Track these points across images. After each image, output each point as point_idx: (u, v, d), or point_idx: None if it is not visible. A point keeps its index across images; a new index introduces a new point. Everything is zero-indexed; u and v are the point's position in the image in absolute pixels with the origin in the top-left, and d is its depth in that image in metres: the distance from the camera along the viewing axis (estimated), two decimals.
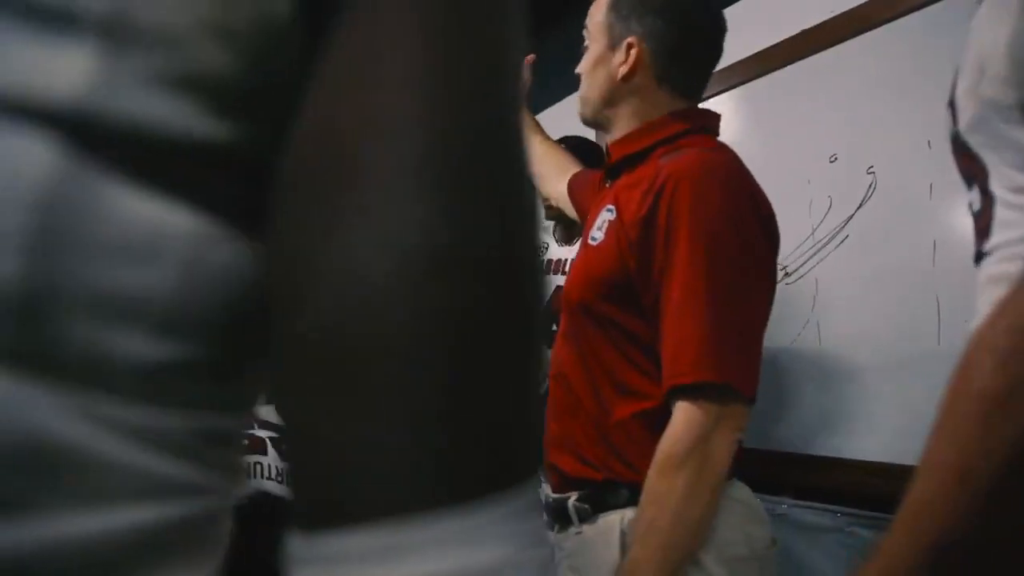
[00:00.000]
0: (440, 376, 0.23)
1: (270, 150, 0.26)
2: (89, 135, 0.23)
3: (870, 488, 1.48)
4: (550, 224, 2.09)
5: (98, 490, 0.23)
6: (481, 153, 0.25)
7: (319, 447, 0.23)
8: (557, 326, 1.22)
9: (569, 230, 1.94)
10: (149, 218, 0.24)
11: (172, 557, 0.25)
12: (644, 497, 0.95)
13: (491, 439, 0.24)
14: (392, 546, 0.22)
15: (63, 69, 0.22)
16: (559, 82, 2.69)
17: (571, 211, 1.47)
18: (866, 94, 1.58)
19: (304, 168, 0.25)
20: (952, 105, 0.63)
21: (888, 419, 1.49)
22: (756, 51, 1.83)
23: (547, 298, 1.89)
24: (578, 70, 1.16)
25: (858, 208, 1.58)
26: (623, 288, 1.02)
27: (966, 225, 0.69)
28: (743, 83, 1.85)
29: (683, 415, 0.95)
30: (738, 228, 0.99)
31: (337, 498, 0.23)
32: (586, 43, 1.15)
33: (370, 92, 0.24)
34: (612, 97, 1.10)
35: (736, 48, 1.75)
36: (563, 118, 2.50)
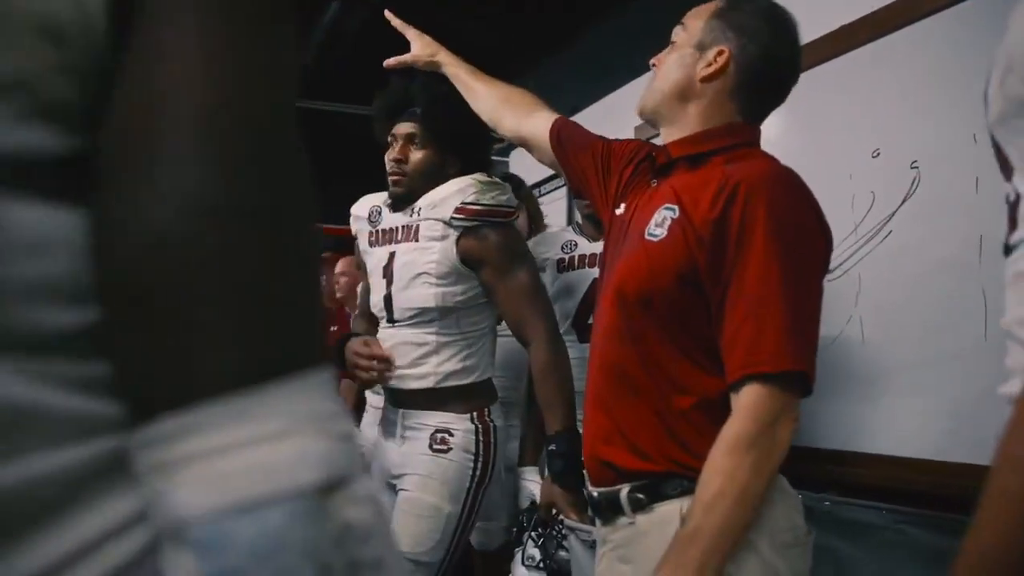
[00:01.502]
0: (220, 296, 0.31)
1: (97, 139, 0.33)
2: None
3: (916, 485, 1.47)
4: (579, 222, 2.12)
5: (49, 434, 0.30)
6: (248, 126, 0.33)
7: (136, 362, 0.31)
8: (593, 317, 1.26)
9: (599, 225, 1.96)
10: (37, 220, 0.31)
11: (111, 483, 0.32)
12: (708, 472, 0.99)
13: (268, 340, 0.32)
14: (186, 428, 0.30)
15: None
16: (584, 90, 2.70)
17: (538, 152, 1.48)
18: (909, 88, 1.56)
19: (109, 146, 0.32)
20: (985, 101, 0.63)
21: (934, 416, 1.47)
22: None
23: (583, 290, 1.91)
24: (655, 60, 1.22)
25: (902, 204, 1.57)
26: (690, 284, 1.06)
27: None
28: None
29: (754, 399, 0.99)
30: (806, 230, 1.07)
31: (142, 400, 0.31)
32: (674, 40, 1.21)
33: (159, 81, 0.32)
34: (684, 93, 1.16)
35: None
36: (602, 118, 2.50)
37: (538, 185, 3.08)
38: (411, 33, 1.59)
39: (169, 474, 0.30)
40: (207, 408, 0.30)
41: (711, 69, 1.13)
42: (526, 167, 3.22)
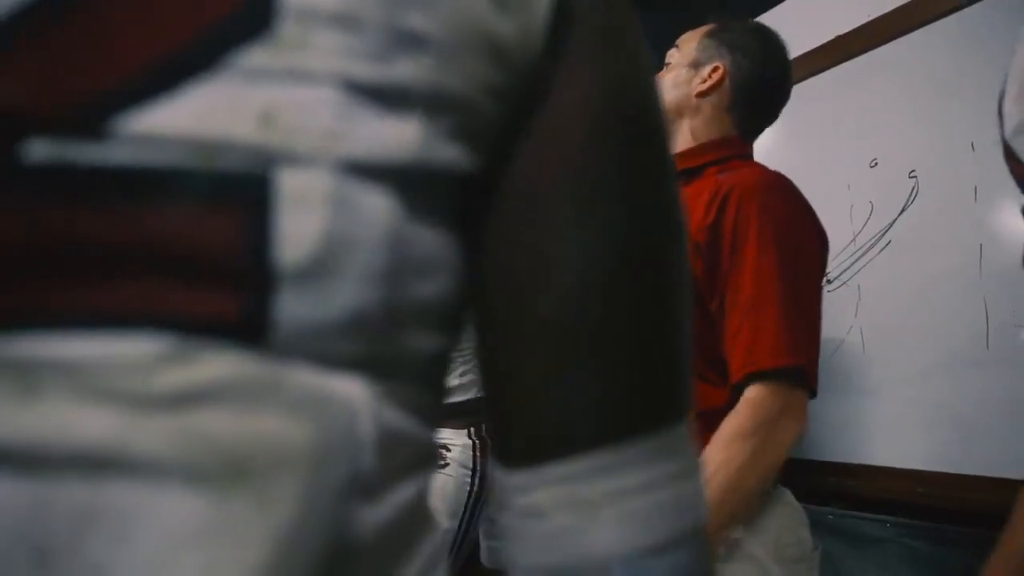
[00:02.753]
0: (642, 347, 0.32)
1: (501, 172, 0.33)
2: (414, 183, 0.29)
3: (919, 497, 1.46)
4: None
5: (409, 463, 0.30)
6: (664, 166, 0.34)
7: (549, 401, 0.31)
8: None
9: None
10: (442, 240, 0.31)
11: (428, 508, 0.33)
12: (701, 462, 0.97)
13: (668, 388, 0.33)
14: (609, 465, 0.31)
15: (399, 135, 0.28)
16: None
17: None
18: (906, 97, 1.56)
19: (533, 181, 0.32)
20: (1000, 112, 0.63)
21: (936, 427, 1.46)
22: (794, 56, 1.82)
23: None
24: None
25: (900, 213, 1.56)
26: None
27: (1013, 228, 0.68)
28: None
29: (753, 396, 0.99)
30: (800, 231, 1.07)
31: (565, 436, 0.31)
32: (669, 61, 1.26)
33: (583, 113, 0.32)
34: (681, 108, 1.20)
35: None
36: None
37: None
38: None
39: (587, 511, 0.31)
40: (629, 446, 0.31)
41: (707, 84, 1.17)
42: None
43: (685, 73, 1.20)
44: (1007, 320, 1.32)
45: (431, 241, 0.30)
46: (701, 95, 1.18)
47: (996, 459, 1.30)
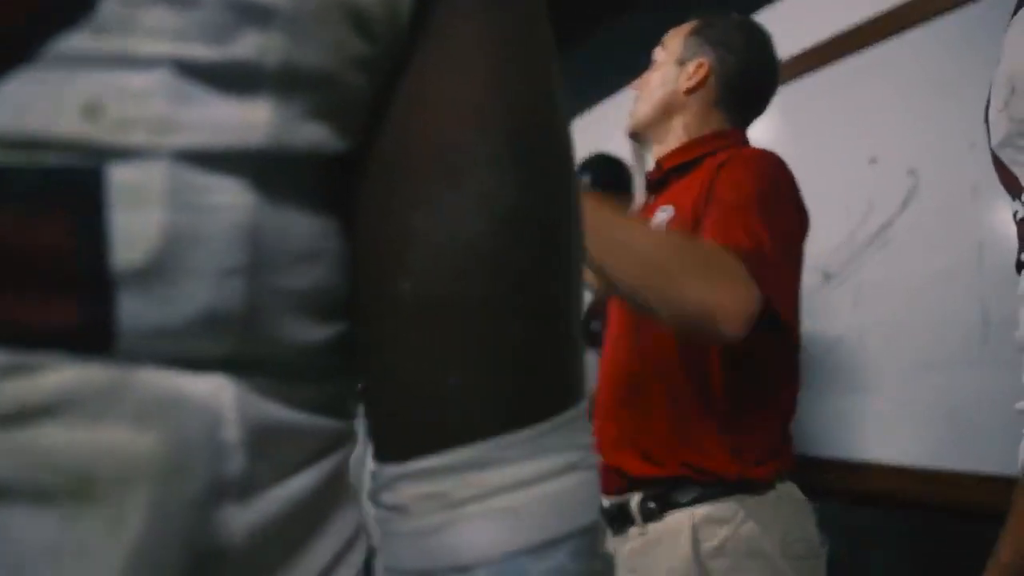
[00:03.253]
0: (517, 327, 0.29)
1: (365, 148, 0.31)
2: (272, 170, 0.27)
3: (916, 494, 1.47)
4: None
5: (304, 453, 0.29)
6: (548, 137, 0.31)
7: (415, 389, 0.29)
8: (600, 326, 1.25)
9: None
10: (314, 226, 0.29)
11: (339, 502, 0.32)
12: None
13: (552, 375, 0.30)
14: (479, 460, 0.28)
15: (248, 119, 0.26)
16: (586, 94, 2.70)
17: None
18: (904, 95, 1.57)
19: (398, 153, 0.30)
20: (987, 121, 0.63)
21: (934, 424, 1.47)
22: (793, 54, 1.82)
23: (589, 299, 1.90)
24: (636, 85, 1.28)
25: (899, 211, 1.56)
26: None
27: (1011, 227, 0.68)
28: (780, 86, 1.84)
29: (720, 251, 0.92)
30: (783, 194, 1.05)
31: (432, 427, 0.29)
32: (654, 59, 1.27)
33: (457, 89, 0.30)
34: (670, 107, 1.21)
35: None
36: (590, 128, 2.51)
37: None
38: None
39: (455, 508, 0.28)
40: (502, 439, 0.29)
41: (693, 81, 1.19)
42: None
43: (672, 71, 1.21)
44: (1005, 318, 1.32)
45: (301, 229, 0.28)
46: (688, 91, 1.19)
47: (992, 456, 1.31)
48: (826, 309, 1.68)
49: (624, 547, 1.11)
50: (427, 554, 0.29)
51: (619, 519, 1.11)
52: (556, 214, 0.31)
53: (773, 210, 1.00)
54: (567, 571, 0.28)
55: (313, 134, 0.28)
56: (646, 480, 1.08)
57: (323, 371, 0.31)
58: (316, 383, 0.30)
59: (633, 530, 1.09)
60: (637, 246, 0.89)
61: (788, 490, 1.07)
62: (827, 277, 1.69)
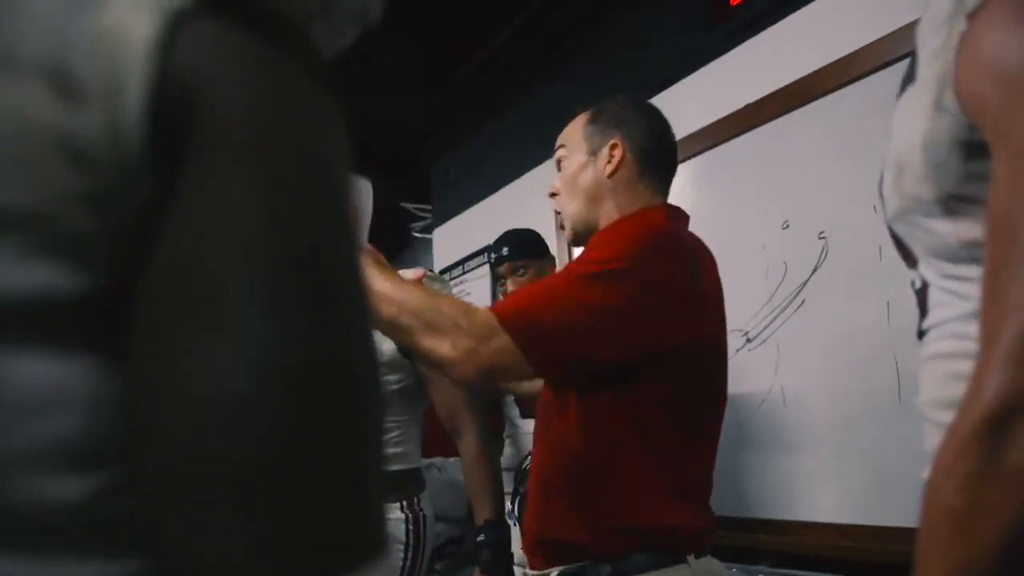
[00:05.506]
0: (293, 486, 0.26)
1: (126, 288, 0.28)
2: None
3: (842, 550, 1.48)
4: None
5: None
6: (321, 278, 0.29)
7: (175, 548, 0.26)
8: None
9: None
10: (48, 372, 0.27)
11: None
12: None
13: (336, 535, 0.27)
14: None
15: None
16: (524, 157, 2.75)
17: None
18: (813, 161, 1.64)
19: (161, 299, 0.27)
20: (881, 195, 0.66)
21: (855, 479, 1.50)
22: (706, 124, 1.90)
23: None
24: (554, 188, 1.27)
25: (812, 273, 1.62)
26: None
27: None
28: (696, 155, 1.91)
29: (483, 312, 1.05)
30: (630, 255, 1.05)
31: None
32: (562, 161, 1.26)
33: (219, 232, 0.27)
34: (597, 194, 1.22)
35: (687, 122, 1.82)
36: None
37: (461, 263, 3.09)
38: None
39: None
40: None
41: (613, 163, 1.20)
42: (447, 244, 3.23)
43: (587, 162, 1.22)
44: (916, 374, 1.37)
45: (36, 378, 0.26)
46: (611, 175, 1.20)
47: (913, 509, 1.33)
48: (750, 371, 1.71)
49: None
50: None
51: None
52: (335, 363, 0.28)
53: (594, 274, 1.04)
54: None
55: (31, 275, 0.26)
56: (579, 550, 1.06)
57: (88, 522, 0.28)
58: (82, 535, 0.27)
59: None
60: (396, 304, 1.04)
61: (707, 565, 1.05)
62: (748, 339, 1.73)
